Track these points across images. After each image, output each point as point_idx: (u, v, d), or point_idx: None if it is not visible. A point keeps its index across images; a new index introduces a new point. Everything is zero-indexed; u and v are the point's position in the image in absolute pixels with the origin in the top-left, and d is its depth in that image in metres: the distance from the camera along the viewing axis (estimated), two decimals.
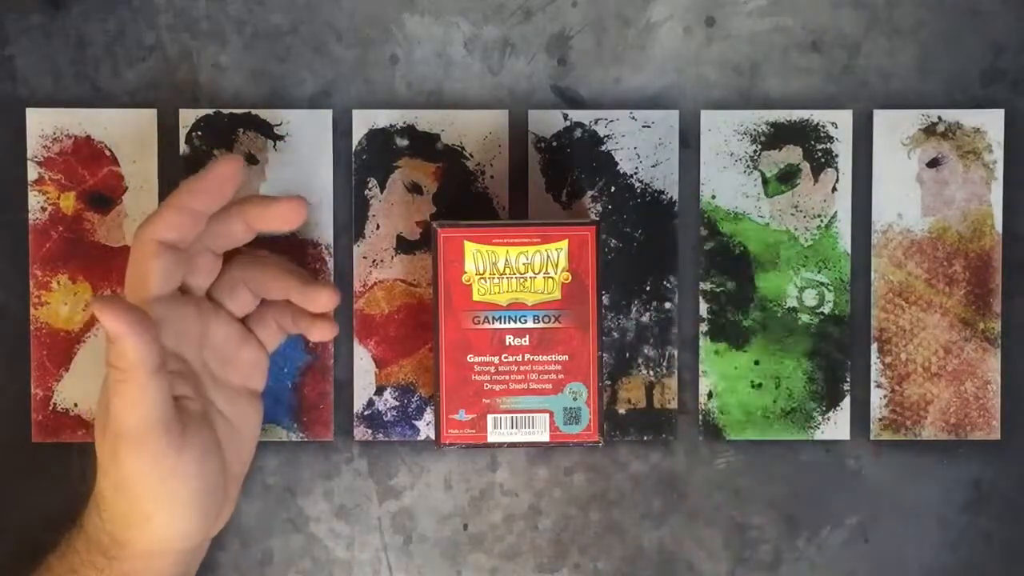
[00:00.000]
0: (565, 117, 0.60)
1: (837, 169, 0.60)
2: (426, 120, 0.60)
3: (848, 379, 0.60)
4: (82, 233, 0.60)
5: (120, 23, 0.60)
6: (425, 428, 0.60)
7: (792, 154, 0.60)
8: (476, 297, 0.53)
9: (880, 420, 0.60)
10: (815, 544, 0.61)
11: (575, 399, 0.54)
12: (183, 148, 0.60)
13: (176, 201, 0.52)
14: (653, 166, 0.60)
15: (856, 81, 0.60)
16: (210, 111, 0.60)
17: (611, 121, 0.60)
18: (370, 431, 0.60)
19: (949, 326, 0.60)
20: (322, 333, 0.56)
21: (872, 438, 0.61)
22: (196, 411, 0.53)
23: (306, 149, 0.60)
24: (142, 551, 0.53)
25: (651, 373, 0.60)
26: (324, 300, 0.55)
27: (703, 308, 0.61)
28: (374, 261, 0.60)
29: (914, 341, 0.60)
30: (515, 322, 0.54)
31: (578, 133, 0.60)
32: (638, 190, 0.60)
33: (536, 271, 0.53)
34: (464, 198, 0.60)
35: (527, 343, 0.54)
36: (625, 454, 0.61)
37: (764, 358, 0.60)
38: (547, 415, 0.54)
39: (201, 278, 0.54)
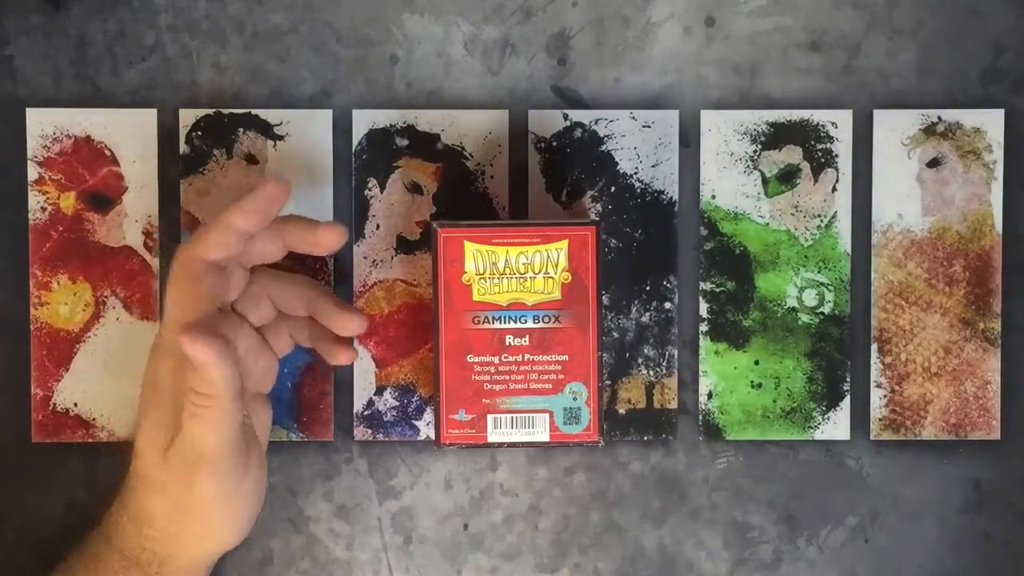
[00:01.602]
0: (565, 117, 0.60)
1: (837, 169, 0.60)
2: (426, 120, 0.60)
3: (848, 379, 0.60)
4: (82, 233, 0.60)
5: (120, 23, 0.60)
6: (425, 428, 0.60)
7: (792, 154, 0.60)
8: (476, 297, 0.53)
9: (880, 420, 0.60)
10: (815, 544, 0.61)
11: (575, 399, 0.54)
12: (183, 148, 0.60)
13: (224, 221, 0.52)
14: (653, 166, 0.60)
15: (856, 81, 0.60)
16: (210, 111, 0.60)
17: (611, 121, 0.60)
18: (370, 431, 0.60)
19: (949, 326, 0.60)
20: (346, 357, 0.58)
21: (872, 438, 0.61)
22: (251, 429, 0.55)
23: (306, 149, 0.60)
24: (183, 565, 0.54)
25: (651, 373, 0.60)
26: (355, 326, 0.56)
27: (703, 308, 0.61)
28: (374, 261, 0.60)
29: (914, 341, 0.60)
30: (515, 322, 0.54)
31: (578, 133, 0.60)
32: (638, 190, 0.60)
33: (536, 271, 0.53)
34: (464, 198, 0.60)
35: (527, 343, 0.54)
36: (625, 454, 0.61)
37: (764, 358, 0.60)
38: (547, 415, 0.54)
39: (232, 293, 0.55)
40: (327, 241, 0.54)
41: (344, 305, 0.56)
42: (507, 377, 0.54)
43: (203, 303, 0.52)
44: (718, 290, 0.61)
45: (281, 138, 0.60)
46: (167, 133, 0.60)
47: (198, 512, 0.53)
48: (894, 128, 0.60)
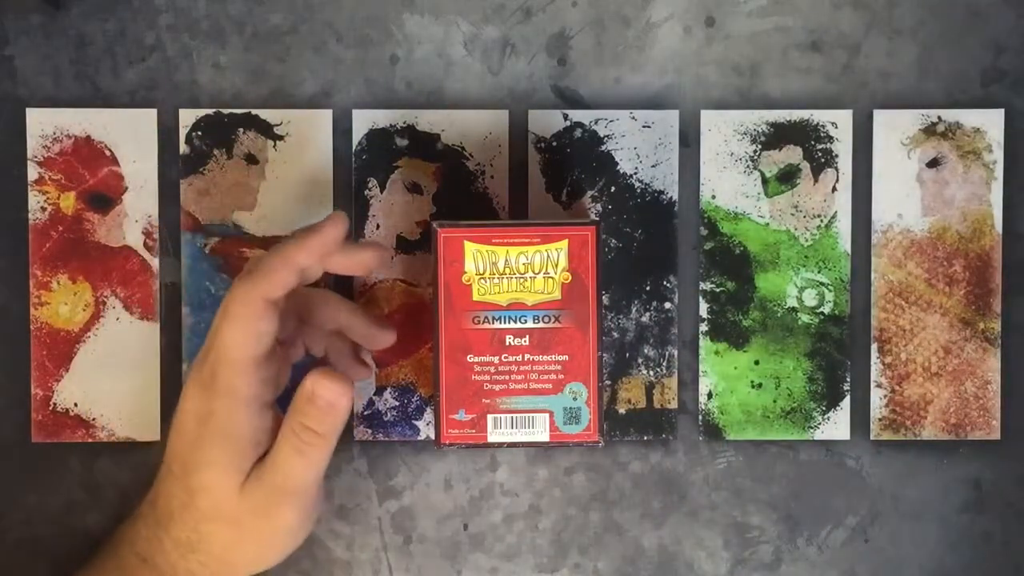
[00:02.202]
0: (565, 117, 0.60)
1: (837, 169, 0.60)
2: (426, 120, 0.60)
3: (848, 379, 0.60)
4: (82, 233, 0.60)
5: (120, 23, 0.60)
6: (425, 428, 0.60)
7: (792, 154, 0.60)
8: (476, 297, 0.53)
9: (880, 420, 0.60)
10: (815, 544, 0.61)
11: (575, 399, 0.54)
12: (183, 148, 0.60)
13: (288, 259, 0.51)
14: (653, 166, 0.60)
15: (856, 81, 0.60)
16: (210, 111, 0.60)
17: (611, 121, 0.60)
18: (370, 431, 0.60)
19: (949, 326, 0.60)
20: (366, 373, 0.59)
21: (872, 438, 0.61)
22: None
23: (306, 149, 0.60)
24: None
25: (651, 373, 0.60)
26: (387, 341, 0.57)
27: (703, 308, 0.61)
28: None
29: (914, 341, 0.60)
30: (515, 322, 0.54)
31: (578, 133, 0.60)
32: (638, 190, 0.60)
33: (536, 271, 0.53)
34: (464, 198, 0.60)
35: (527, 343, 0.54)
36: (625, 454, 0.61)
37: (764, 358, 0.60)
38: (547, 415, 0.54)
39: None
40: (366, 262, 0.54)
41: (376, 320, 0.57)
42: (507, 377, 0.54)
43: (265, 339, 0.51)
44: (718, 290, 0.61)
45: (281, 138, 0.60)
46: (167, 133, 0.60)
47: (270, 539, 0.53)
48: (894, 128, 0.60)
